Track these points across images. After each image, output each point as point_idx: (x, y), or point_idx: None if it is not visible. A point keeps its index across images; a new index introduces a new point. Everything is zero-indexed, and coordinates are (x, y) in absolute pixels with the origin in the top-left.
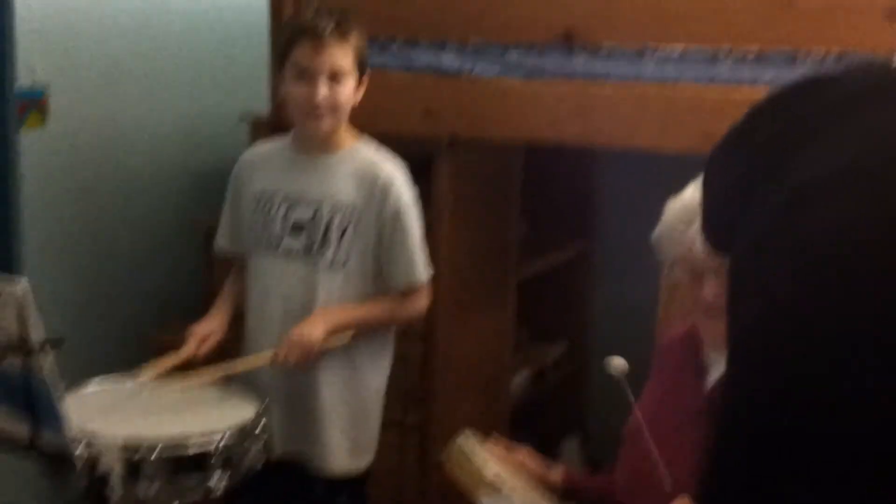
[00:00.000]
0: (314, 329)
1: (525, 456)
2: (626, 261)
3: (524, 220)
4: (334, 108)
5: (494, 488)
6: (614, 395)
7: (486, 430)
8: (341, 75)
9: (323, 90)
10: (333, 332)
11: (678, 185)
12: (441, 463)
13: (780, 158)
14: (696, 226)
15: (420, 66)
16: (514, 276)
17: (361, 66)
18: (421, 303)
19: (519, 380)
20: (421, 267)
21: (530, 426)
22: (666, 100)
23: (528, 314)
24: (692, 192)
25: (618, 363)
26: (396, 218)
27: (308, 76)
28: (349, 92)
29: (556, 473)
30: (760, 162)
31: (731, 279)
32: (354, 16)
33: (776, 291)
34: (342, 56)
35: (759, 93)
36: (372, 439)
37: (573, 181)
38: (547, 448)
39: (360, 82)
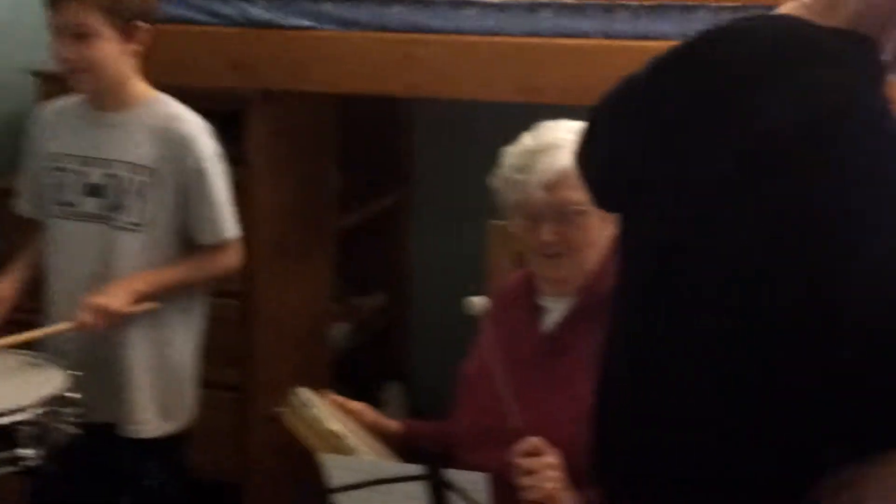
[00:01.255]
0: (115, 298)
1: (361, 407)
2: (444, 208)
3: (340, 170)
4: (88, 67)
5: (336, 440)
6: (434, 343)
7: (307, 383)
8: (87, 33)
9: (65, 50)
10: (138, 299)
11: (493, 133)
12: (276, 416)
13: (712, 115)
14: (534, 171)
15: (226, 18)
16: (333, 227)
17: (120, 19)
18: (230, 259)
19: (339, 331)
20: (228, 223)
21: (351, 376)
22: (487, 51)
23: (347, 265)
24: (529, 139)
25: (475, 302)
26: (198, 174)
27: (55, 35)
28: (105, 48)
29: (394, 424)
30: (683, 117)
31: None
32: None
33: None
34: (82, 13)
35: (580, 44)
36: (184, 402)
37: (388, 129)
38: (368, 397)
39: (126, 35)
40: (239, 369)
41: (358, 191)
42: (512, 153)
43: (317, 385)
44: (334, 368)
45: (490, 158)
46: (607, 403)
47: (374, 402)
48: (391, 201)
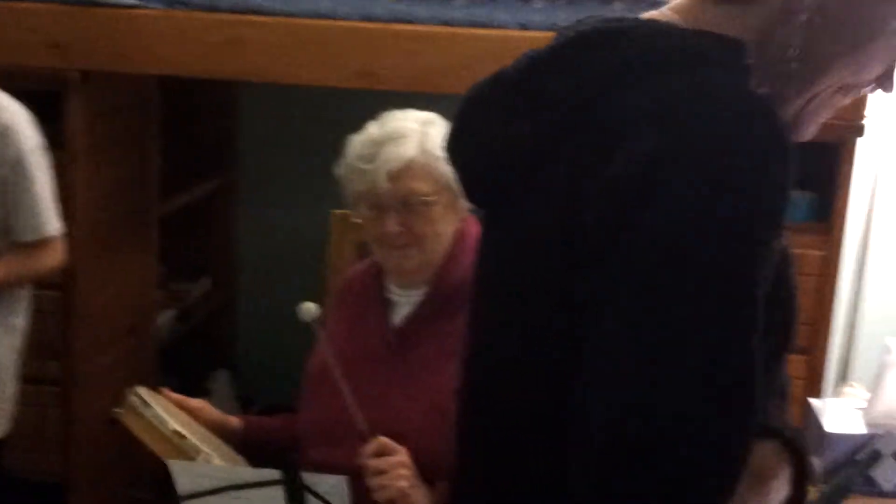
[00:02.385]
0: None
1: (201, 404)
2: (271, 192)
3: (163, 153)
4: None
5: (178, 441)
6: (261, 329)
7: (133, 374)
8: None
9: None
10: None
11: (323, 114)
12: (114, 418)
13: (598, 124)
14: (379, 161)
15: None
16: (156, 212)
17: None
18: (54, 257)
19: (164, 319)
20: (51, 219)
21: (178, 365)
22: (320, 35)
23: (171, 251)
24: (374, 128)
25: (309, 308)
26: (18, 167)
27: None
28: None
29: (235, 420)
30: (565, 121)
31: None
32: None
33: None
34: None
35: (417, 30)
36: (3, 407)
37: (212, 112)
38: (197, 384)
39: None
40: (61, 363)
41: (182, 174)
42: (357, 142)
43: (142, 375)
44: (160, 357)
45: (319, 142)
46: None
47: (202, 390)
48: (215, 185)
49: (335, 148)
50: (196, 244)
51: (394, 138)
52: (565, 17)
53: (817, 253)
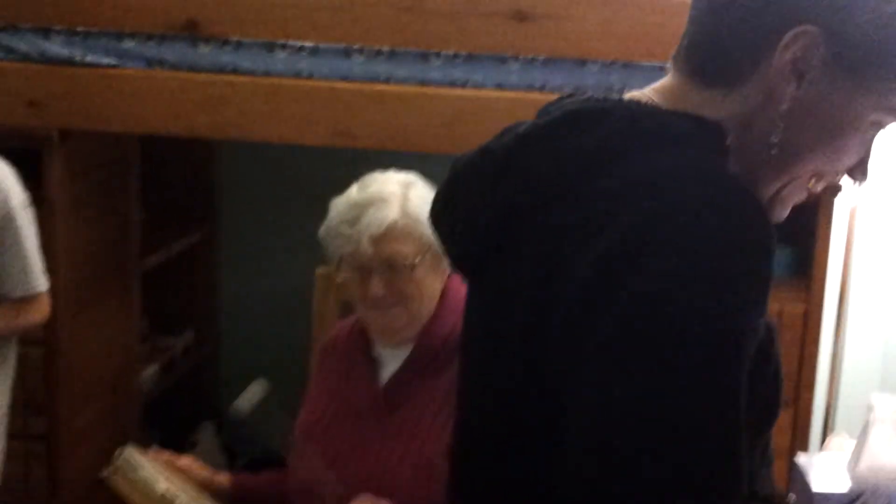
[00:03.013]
0: None
1: (190, 462)
2: (250, 245)
3: (143, 208)
4: None
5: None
6: (245, 379)
7: (117, 428)
8: None
9: None
10: None
11: (301, 170)
12: (103, 479)
13: (580, 201)
14: (362, 225)
15: (21, 54)
16: (137, 267)
17: None
18: (40, 312)
19: (148, 373)
20: (37, 274)
21: (163, 419)
22: (299, 94)
23: (153, 305)
24: (356, 192)
25: (241, 406)
26: (6, 224)
27: None
28: None
29: (224, 477)
30: (549, 197)
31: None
32: None
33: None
34: None
35: (394, 89)
36: None
37: (192, 167)
38: (182, 437)
39: None
40: (46, 419)
41: (162, 228)
42: (339, 205)
43: (127, 429)
44: (145, 411)
45: (299, 194)
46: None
47: (188, 442)
48: (196, 238)
49: (315, 200)
50: (179, 297)
51: (375, 202)
52: (541, 78)
53: (798, 307)
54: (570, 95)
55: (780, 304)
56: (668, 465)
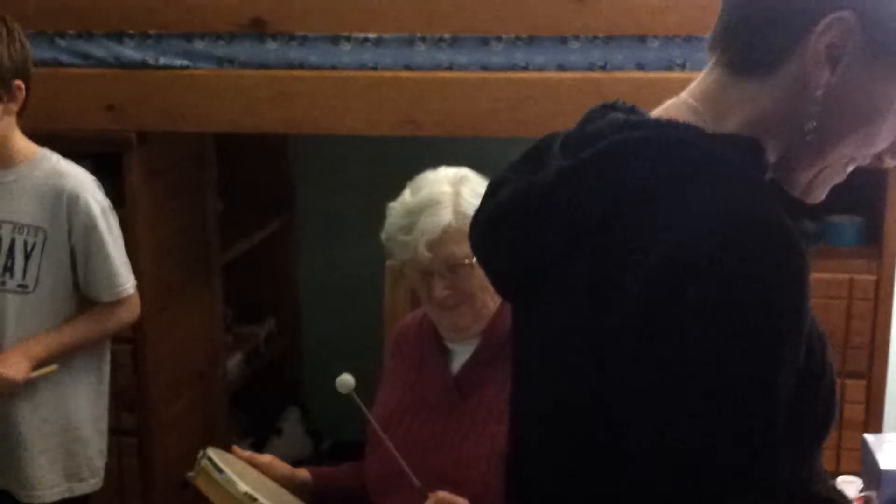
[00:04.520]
0: (13, 366)
1: (271, 460)
2: (328, 233)
3: (222, 200)
4: None
5: (250, 503)
6: (327, 365)
7: (205, 418)
8: None
9: None
10: (38, 364)
11: (374, 158)
12: (187, 481)
13: (620, 238)
14: (417, 232)
15: (98, 60)
16: (218, 260)
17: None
18: (129, 313)
19: (233, 362)
20: (124, 277)
21: (249, 406)
22: (366, 85)
23: (236, 294)
24: (409, 196)
25: (345, 380)
26: (89, 232)
27: None
28: None
29: (303, 472)
30: (591, 232)
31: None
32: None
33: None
34: None
35: (457, 76)
36: (91, 465)
37: (268, 158)
38: (268, 423)
39: (5, 95)
40: (136, 413)
41: (241, 219)
42: (394, 212)
43: (215, 418)
44: (231, 399)
45: (372, 180)
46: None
47: (273, 429)
48: (275, 228)
49: (388, 185)
50: (260, 286)
51: (428, 206)
52: (602, 57)
53: (869, 277)
54: (608, 106)
55: (850, 275)
56: (720, 466)
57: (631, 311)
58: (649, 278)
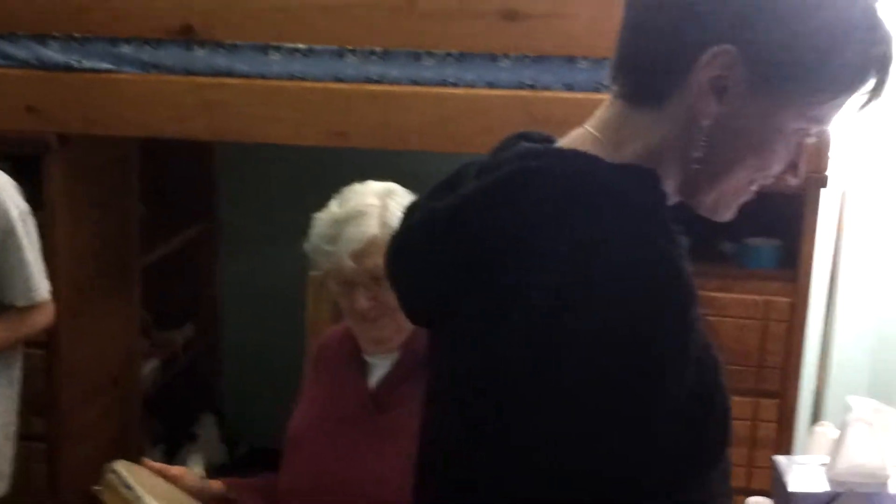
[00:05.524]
0: None
1: (181, 472)
2: (249, 237)
3: (144, 203)
4: None
5: None
6: (245, 372)
7: (119, 424)
8: None
9: None
10: None
11: (298, 166)
12: (93, 495)
13: (515, 263)
14: (343, 241)
15: (20, 60)
16: (138, 265)
17: None
18: (44, 318)
19: (149, 368)
20: (42, 282)
21: (165, 412)
22: (294, 96)
23: (154, 299)
24: (335, 207)
25: None
26: (5, 236)
27: None
28: None
29: (216, 484)
30: (486, 260)
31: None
32: None
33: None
34: None
35: (387, 89)
36: (3, 468)
37: (191, 162)
38: (184, 429)
39: None
40: (47, 419)
41: (162, 223)
42: (320, 222)
43: (128, 424)
44: (146, 405)
45: (295, 186)
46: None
47: (189, 434)
48: (195, 233)
49: (312, 195)
50: (179, 292)
51: (354, 217)
52: (531, 76)
53: (785, 300)
54: (522, 135)
55: (766, 297)
56: (608, 493)
57: (516, 345)
58: (533, 312)
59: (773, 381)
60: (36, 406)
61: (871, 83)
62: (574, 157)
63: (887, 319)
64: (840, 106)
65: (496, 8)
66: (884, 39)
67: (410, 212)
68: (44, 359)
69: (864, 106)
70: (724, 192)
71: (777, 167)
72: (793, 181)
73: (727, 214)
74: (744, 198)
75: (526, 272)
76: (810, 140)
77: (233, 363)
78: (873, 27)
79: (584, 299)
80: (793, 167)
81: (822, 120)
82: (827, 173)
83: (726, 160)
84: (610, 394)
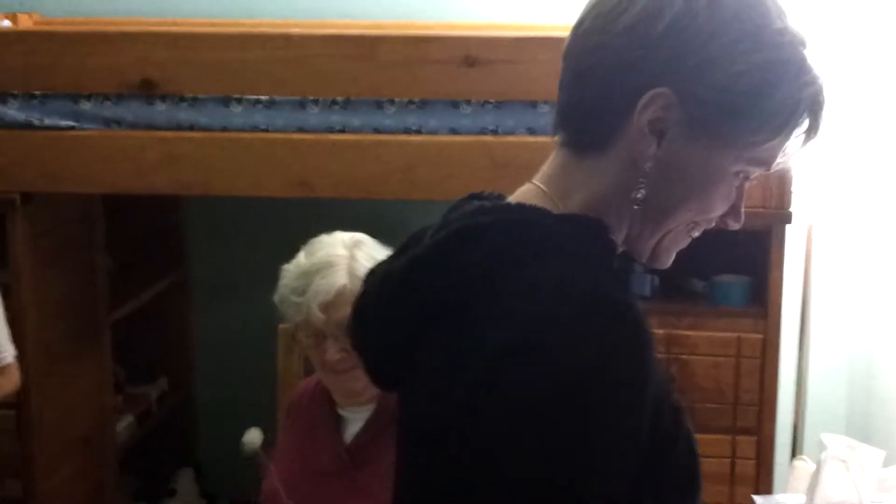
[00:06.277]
0: None
1: None
2: (221, 290)
3: (112, 257)
4: None
5: None
6: (223, 423)
7: (94, 483)
8: None
9: None
10: None
11: (269, 218)
12: None
13: (463, 316)
14: (311, 293)
15: None
16: (108, 320)
17: None
18: (11, 382)
19: (124, 424)
20: (6, 346)
21: (142, 467)
22: (257, 147)
23: (126, 355)
24: (303, 258)
25: (251, 438)
26: None
27: None
28: None
29: None
30: (436, 314)
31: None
32: None
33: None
34: None
35: (350, 138)
36: None
37: (158, 215)
38: (162, 485)
39: None
40: (20, 480)
41: (131, 277)
42: (288, 274)
43: (104, 483)
44: (123, 461)
45: (265, 236)
46: None
47: (167, 490)
48: (165, 285)
49: (283, 247)
50: (151, 346)
51: (322, 268)
52: (494, 121)
53: (756, 336)
54: (473, 196)
55: (738, 333)
56: None
57: (465, 401)
58: (480, 368)
59: (749, 417)
60: (9, 468)
61: (804, 125)
62: (521, 210)
63: (860, 352)
64: (778, 148)
65: (457, 55)
66: (813, 81)
67: (369, 277)
68: (14, 420)
69: (802, 147)
70: (665, 236)
71: (718, 210)
72: (734, 225)
73: (667, 261)
74: (682, 243)
75: (478, 324)
76: (751, 183)
77: (209, 416)
78: (802, 70)
79: (538, 348)
80: (734, 211)
81: (761, 162)
82: (791, 209)
83: (668, 203)
84: (568, 440)
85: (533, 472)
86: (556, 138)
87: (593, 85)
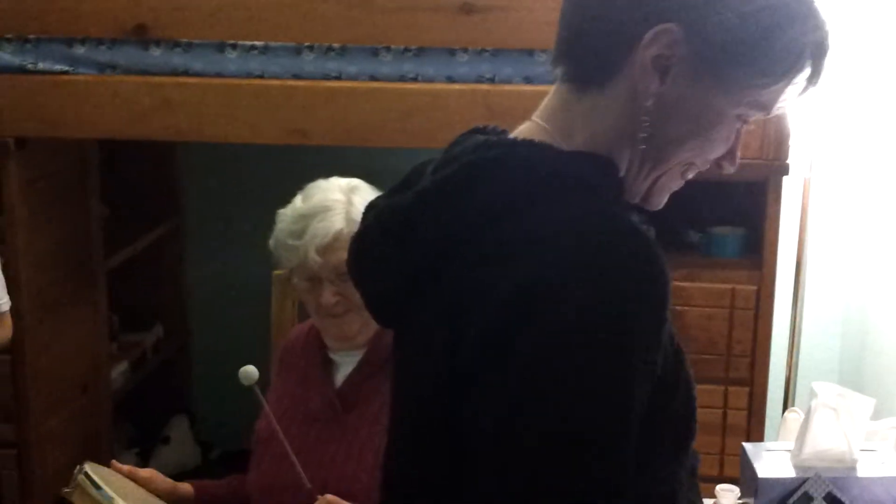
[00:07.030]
0: None
1: (151, 474)
2: (215, 238)
3: (107, 205)
4: None
5: None
6: (216, 371)
7: (89, 429)
8: None
9: None
10: None
11: (265, 165)
12: (63, 497)
13: (479, 253)
14: (308, 236)
15: None
16: (102, 267)
17: None
18: (4, 332)
19: (119, 371)
20: (1, 294)
21: (136, 414)
22: (252, 94)
23: (121, 302)
24: (300, 202)
25: (249, 372)
26: None
27: None
28: None
29: (185, 486)
30: (450, 252)
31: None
32: None
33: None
34: None
35: (345, 86)
36: None
37: (154, 162)
38: (156, 432)
39: None
40: (15, 425)
41: (126, 225)
42: (284, 217)
43: (98, 429)
44: (117, 408)
45: (260, 183)
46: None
47: (161, 437)
48: (161, 233)
49: (278, 193)
50: (146, 293)
51: (319, 212)
52: (490, 70)
53: (750, 287)
54: (476, 130)
55: (732, 285)
56: (561, 479)
57: (479, 344)
58: (496, 312)
59: (742, 368)
60: (5, 413)
61: (807, 70)
62: (527, 146)
63: (854, 305)
64: (780, 93)
65: (454, 2)
66: (820, 27)
67: (368, 212)
68: (10, 365)
69: (801, 94)
70: (660, 177)
71: (717, 152)
72: (729, 169)
73: (659, 202)
74: (676, 185)
75: (485, 271)
76: (748, 128)
77: (203, 364)
78: (810, 14)
79: (551, 295)
80: (730, 154)
81: (762, 106)
82: (788, 161)
83: (668, 142)
84: (580, 379)
85: (567, 409)
86: (556, 71)
87: (598, 17)
